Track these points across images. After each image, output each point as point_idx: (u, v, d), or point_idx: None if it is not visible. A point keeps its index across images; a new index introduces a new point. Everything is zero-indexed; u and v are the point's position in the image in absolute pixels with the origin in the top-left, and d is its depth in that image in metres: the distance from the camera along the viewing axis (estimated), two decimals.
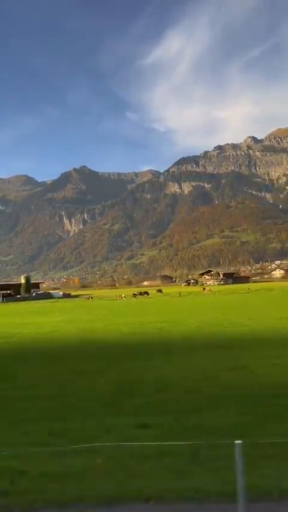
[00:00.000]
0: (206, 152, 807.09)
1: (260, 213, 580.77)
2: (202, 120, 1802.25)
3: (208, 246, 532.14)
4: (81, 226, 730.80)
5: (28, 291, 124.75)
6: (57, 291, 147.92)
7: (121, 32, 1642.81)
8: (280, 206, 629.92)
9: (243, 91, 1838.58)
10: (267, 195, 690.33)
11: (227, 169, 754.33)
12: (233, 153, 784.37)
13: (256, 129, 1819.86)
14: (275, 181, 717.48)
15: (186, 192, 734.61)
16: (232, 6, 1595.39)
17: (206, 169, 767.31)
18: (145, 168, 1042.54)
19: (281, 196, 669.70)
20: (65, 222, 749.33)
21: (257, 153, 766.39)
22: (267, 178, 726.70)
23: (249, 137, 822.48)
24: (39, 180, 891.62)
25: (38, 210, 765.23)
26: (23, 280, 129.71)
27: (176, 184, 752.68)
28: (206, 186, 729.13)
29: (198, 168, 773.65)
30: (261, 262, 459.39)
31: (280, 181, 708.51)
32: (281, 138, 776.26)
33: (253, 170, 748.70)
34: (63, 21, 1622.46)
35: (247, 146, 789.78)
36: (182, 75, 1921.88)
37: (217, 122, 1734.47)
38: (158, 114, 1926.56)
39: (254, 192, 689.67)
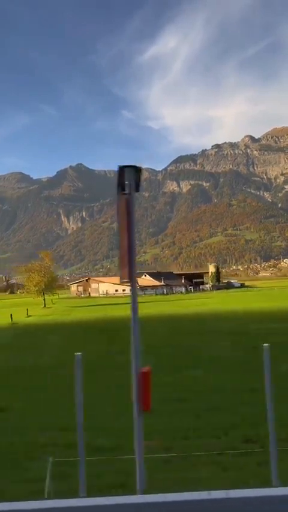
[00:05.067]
0: (203, 151, 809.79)
1: (262, 212, 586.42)
2: (198, 118, 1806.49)
3: (212, 244, 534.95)
4: (80, 224, 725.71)
5: (218, 280, 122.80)
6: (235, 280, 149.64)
7: (117, 30, 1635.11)
8: (279, 205, 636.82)
9: (240, 89, 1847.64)
10: (265, 194, 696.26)
11: (225, 168, 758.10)
12: (231, 151, 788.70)
13: (253, 128, 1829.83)
14: (273, 180, 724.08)
15: (184, 190, 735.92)
16: (229, 4, 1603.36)
17: (204, 167, 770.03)
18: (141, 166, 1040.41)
19: (280, 195, 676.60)
20: (63, 219, 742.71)
21: (255, 152, 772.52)
22: (265, 177, 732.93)
23: (246, 136, 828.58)
24: (34, 178, 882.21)
25: (35, 207, 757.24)
26: (212, 269, 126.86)
27: (174, 182, 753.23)
28: (204, 184, 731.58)
29: (196, 166, 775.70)
30: (273, 260, 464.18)
31: (278, 180, 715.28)
32: (278, 138, 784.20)
33: (251, 169, 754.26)
34: (59, 18, 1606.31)
35: (245, 145, 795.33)
36: (179, 74, 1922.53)
37: (213, 120, 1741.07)
38: (153, 113, 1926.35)
39: (252, 191, 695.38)
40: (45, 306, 57.67)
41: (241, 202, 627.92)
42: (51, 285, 63.16)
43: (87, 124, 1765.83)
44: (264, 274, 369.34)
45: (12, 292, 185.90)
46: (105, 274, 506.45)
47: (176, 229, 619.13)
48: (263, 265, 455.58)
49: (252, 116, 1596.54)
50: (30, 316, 42.82)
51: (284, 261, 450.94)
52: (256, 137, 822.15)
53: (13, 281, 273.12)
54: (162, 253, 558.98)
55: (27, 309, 46.03)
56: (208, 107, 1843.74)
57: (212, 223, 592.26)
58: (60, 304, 64.31)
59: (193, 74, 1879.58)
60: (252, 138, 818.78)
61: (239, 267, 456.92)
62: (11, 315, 36.56)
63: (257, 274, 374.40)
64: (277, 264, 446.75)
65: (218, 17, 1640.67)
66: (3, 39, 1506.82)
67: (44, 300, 60.93)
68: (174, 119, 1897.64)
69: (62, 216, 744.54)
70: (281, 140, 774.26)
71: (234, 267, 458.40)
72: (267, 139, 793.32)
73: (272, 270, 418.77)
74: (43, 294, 61.07)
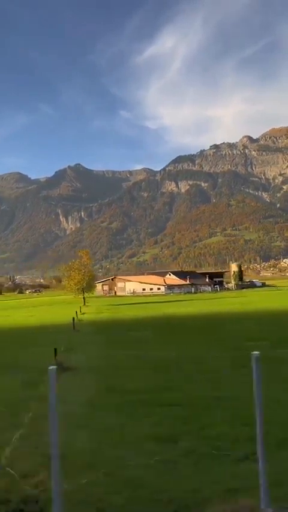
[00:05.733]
0: (202, 151, 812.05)
1: (261, 212, 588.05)
2: (197, 118, 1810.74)
3: (212, 244, 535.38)
4: (78, 224, 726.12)
5: (241, 279, 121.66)
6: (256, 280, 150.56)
7: (116, 30, 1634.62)
8: (278, 205, 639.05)
9: (238, 89, 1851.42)
10: (264, 194, 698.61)
11: (223, 168, 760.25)
12: (229, 152, 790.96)
13: (251, 128, 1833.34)
14: (271, 181, 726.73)
15: (183, 190, 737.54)
16: (228, 4, 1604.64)
17: (203, 168, 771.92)
18: (139, 167, 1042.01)
19: (278, 195, 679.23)
20: (62, 219, 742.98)
21: (253, 153, 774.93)
22: (263, 177, 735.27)
23: (245, 136, 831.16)
24: (32, 178, 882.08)
25: (34, 207, 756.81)
26: (235, 268, 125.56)
27: (172, 182, 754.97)
28: (203, 184, 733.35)
29: (195, 166, 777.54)
30: (272, 260, 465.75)
31: (276, 180, 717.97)
32: (276, 138, 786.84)
33: (249, 169, 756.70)
34: (58, 18, 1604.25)
35: (243, 145, 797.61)
36: (177, 74, 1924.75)
37: (212, 120, 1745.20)
38: (152, 113, 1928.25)
39: (251, 191, 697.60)
40: (84, 304, 58.34)
41: (240, 202, 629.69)
42: (90, 284, 64.09)
43: (85, 124, 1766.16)
44: (265, 274, 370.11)
45: (21, 292, 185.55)
46: (105, 275, 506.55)
47: (175, 229, 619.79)
48: (262, 265, 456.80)
49: (251, 116, 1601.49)
50: (84, 313, 43.44)
51: (284, 261, 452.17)
52: (254, 137, 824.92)
53: (17, 281, 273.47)
54: (162, 253, 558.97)
55: (80, 307, 46.69)
56: (206, 107, 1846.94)
57: (211, 223, 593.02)
58: (94, 303, 64.87)
59: (191, 73, 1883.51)
60: (250, 138, 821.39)
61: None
62: (76, 312, 37.25)
63: (259, 274, 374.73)
64: (277, 264, 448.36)
65: (217, 16, 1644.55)
66: (3, 39, 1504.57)
67: (84, 298, 61.66)
68: (172, 118, 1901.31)
69: (61, 216, 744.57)
70: (279, 140, 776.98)
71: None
72: (266, 140, 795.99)
73: (272, 270, 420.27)
74: (83, 292, 61.88)
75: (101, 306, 57.04)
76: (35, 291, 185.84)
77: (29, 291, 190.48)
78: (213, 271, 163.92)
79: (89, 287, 64.79)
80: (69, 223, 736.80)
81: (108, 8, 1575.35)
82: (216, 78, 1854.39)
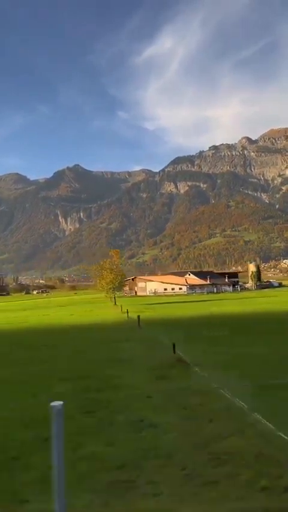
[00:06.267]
0: (201, 152, 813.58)
1: (261, 213, 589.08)
2: (196, 119, 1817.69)
3: (211, 245, 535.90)
4: (78, 225, 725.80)
5: (259, 279, 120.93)
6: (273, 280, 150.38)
7: (115, 30, 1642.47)
8: (277, 206, 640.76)
9: (237, 90, 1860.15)
10: (263, 195, 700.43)
11: (222, 169, 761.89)
12: (228, 153, 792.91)
13: (250, 129, 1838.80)
14: (270, 182, 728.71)
15: (182, 191, 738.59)
16: (227, 4, 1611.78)
17: (202, 169, 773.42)
18: (137, 167, 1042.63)
19: (277, 196, 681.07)
20: (61, 220, 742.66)
21: (252, 154, 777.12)
22: (262, 178, 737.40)
23: (244, 138, 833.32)
24: (31, 179, 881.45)
25: (33, 208, 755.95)
26: (253, 268, 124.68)
27: (171, 183, 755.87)
28: (201, 185, 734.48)
29: (194, 168, 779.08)
30: (272, 260, 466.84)
31: (275, 181, 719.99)
32: (275, 139, 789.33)
33: (248, 170, 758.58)
34: (57, 18, 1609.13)
35: (242, 146, 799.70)
36: (175, 74, 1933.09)
37: (211, 121, 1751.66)
38: (150, 114, 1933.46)
39: (249, 192, 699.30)
40: (115, 303, 58.27)
41: (239, 203, 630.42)
42: (121, 283, 64.25)
43: (84, 124, 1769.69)
44: (267, 275, 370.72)
45: (27, 292, 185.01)
46: None
47: (174, 230, 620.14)
48: (263, 266, 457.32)
49: (249, 117, 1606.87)
50: (125, 312, 43.32)
51: (284, 261, 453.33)
52: (253, 138, 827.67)
53: (22, 282, 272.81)
54: (161, 254, 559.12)
55: (121, 306, 46.62)
56: (205, 107, 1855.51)
57: (211, 224, 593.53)
58: (121, 302, 64.67)
59: (190, 74, 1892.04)
60: (249, 139, 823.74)
61: (239, 268, 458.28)
62: (127, 310, 37.24)
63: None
64: (277, 265, 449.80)
65: (216, 17, 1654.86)
66: (3, 39, 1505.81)
67: (115, 298, 61.67)
68: (171, 119, 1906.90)
69: (60, 217, 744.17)
70: (278, 142, 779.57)
71: (234, 268, 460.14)
72: (264, 141, 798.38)
73: (273, 270, 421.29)
74: (114, 291, 61.93)
75: (134, 305, 56.87)
76: (42, 292, 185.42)
77: (36, 291, 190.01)
78: (230, 271, 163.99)
79: (120, 287, 65.23)
80: (68, 224, 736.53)
81: (108, 8, 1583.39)
82: (215, 79, 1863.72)
